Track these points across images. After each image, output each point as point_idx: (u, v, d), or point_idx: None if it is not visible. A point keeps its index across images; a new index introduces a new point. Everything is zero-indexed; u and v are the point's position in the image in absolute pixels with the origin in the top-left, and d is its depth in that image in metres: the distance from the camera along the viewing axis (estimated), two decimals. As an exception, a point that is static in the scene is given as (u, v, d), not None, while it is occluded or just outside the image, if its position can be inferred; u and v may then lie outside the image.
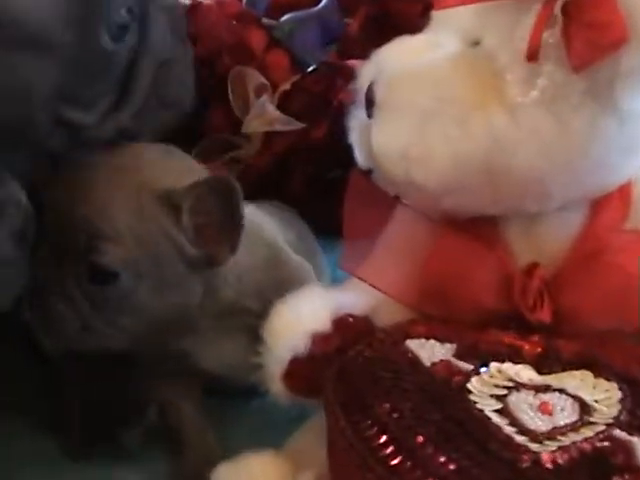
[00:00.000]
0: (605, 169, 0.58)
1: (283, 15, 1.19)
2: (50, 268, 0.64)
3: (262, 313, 0.63)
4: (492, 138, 0.56)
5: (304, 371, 0.58)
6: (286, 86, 1.01)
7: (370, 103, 0.60)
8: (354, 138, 0.63)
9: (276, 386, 0.60)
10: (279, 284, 0.68)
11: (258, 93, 0.99)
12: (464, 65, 0.58)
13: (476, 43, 0.59)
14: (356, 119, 0.62)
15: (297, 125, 0.94)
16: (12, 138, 0.60)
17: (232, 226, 0.64)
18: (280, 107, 0.98)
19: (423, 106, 0.58)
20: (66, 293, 0.64)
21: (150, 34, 0.65)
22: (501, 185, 0.57)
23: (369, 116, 0.60)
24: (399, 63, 0.60)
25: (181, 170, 0.67)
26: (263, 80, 0.99)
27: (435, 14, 0.64)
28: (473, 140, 0.56)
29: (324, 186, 0.94)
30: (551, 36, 0.54)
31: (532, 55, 0.54)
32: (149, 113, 0.67)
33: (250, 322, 0.66)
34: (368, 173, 0.63)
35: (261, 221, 0.75)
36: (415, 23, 0.98)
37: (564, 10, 0.54)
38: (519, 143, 0.56)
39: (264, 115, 0.97)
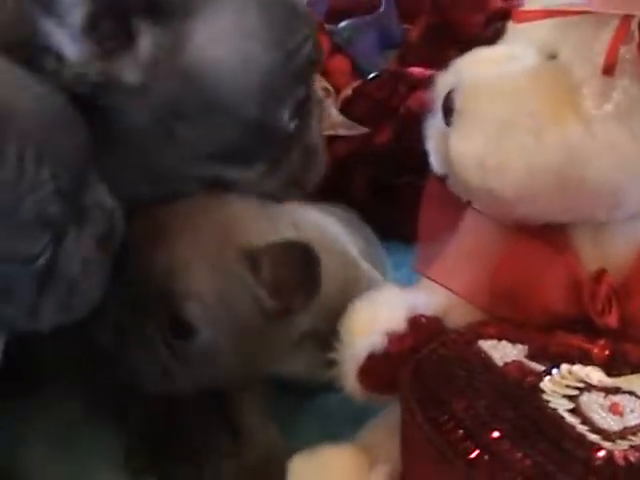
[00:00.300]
0: (677, 182, 0.60)
1: (342, 20, 1.22)
2: (130, 310, 0.66)
3: (329, 332, 0.66)
4: (567, 150, 0.58)
5: (380, 368, 0.61)
6: (347, 91, 1.03)
7: (448, 111, 0.62)
8: (431, 145, 0.65)
9: (351, 383, 0.62)
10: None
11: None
12: (541, 78, 0.60)
13: (553, 56, 0.61)
14: (433, 127, 0.65)
15: (360, 130, 0.97)
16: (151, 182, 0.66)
17: (309, 286, 0.66)
18: (342, 112, 1.01)
19: (501, 117, 0.60)
20: (146, 339, 0.66)
21: (309, 121, 0.71)
22: (574, 194, 0.59)
23: (447, 124, 0.62)
24: (478, 73, 0.62)
25: (266, 228, 0.69)
26: (327, 85, 1.02)
27: (511, 26, 0.65)
28: (548, 151, 0.58)
29: (385, 190, 0.97)
30: (628, 52, 0.56)
31: (609, 69, 0.56)
32: (285, 188, 0.72)
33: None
34: (443, 179, 0.65)
35: (337, 233, 0.77)
36: (475, 33, 1.01)
37: (640, 27, 0.56)
38: (593, 155, 0.58)
39: (327, 119, 1.00)
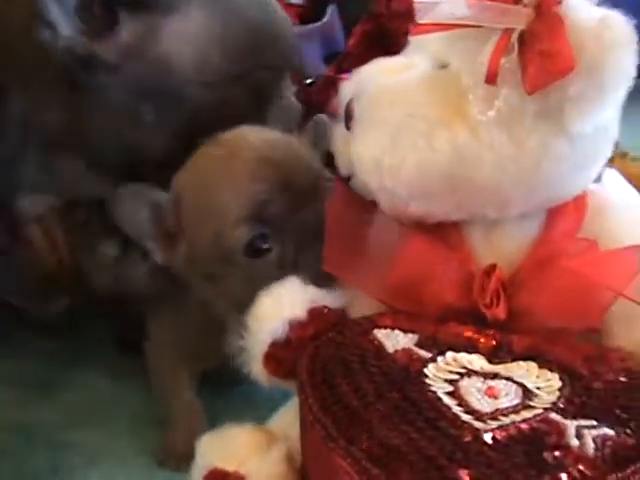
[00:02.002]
0: (558, 183, 0.65)
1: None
2: None
3: None
4: (455, 151, 0.62)
5: (282, 355, 0.64)
6: (286, 96, 1.07)
7: (349, 117, 0.67)
8: (336, 148, 0.70)
9: (257, 367, 0.66)
10: None
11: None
12: (433, 85, 0.65)
13: (444, 66, 0.66)
14: (338, 131, 0.69)
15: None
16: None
17: None
18: (280, 115, 1.05)
19: (395, 121, 0.64)
20: None
21: None
22: (462, 193, 0.64)
23: (348, 128, 0.67)
24: (376, 82, 0.66)
25: None
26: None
27: (412, 39, 0.70)
28: (438, 152, 0.63)
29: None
30: (508, 62, 0.61)
31: (490, 78, 0.61)
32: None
33: None
34: (348, 180, 0.69)
35: None
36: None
37: (520, 39, 0.60)
38: (478, 157, 0.62)
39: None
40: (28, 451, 0.80)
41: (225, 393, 0.86)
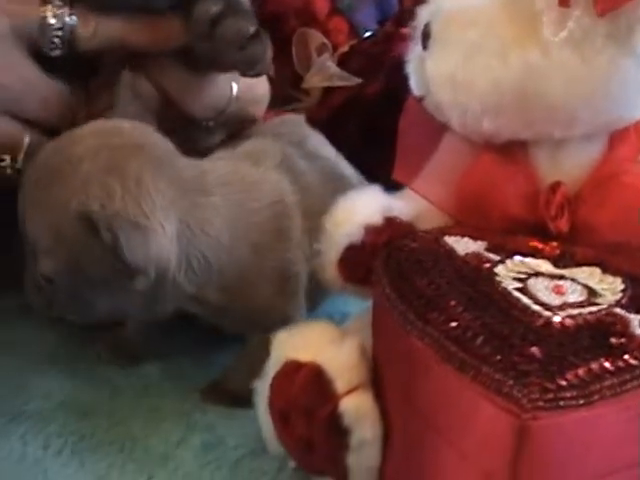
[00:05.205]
0: (623, 104, 0.68)
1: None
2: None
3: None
4: (527, 68, 0.66)
5: (357, 259, 0.68)
6: (345, 48, 1.12)
7: (426, 37, 0.70)
8: (411, 68, 0.73)
9: (331, 273, 0.70)
10: None
11: (319, 52, 1.10)
12: (508, 7, 0.68)
13: (519, -11, 0.69)
14: (413, 52, 0.73)
15: (354, 80, 1.05)
16: None
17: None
18: (339, 66, 1.09)
19: (470, 40, 0.68)
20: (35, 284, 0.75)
21: None
22: (532, 109, 0.67)
23: (424, 48, 0.71)
24: (452, 4, 0.70)
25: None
26: (324, 40, 1.10)
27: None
28: (510, 69, 0.66)
29: (376, 137, 1.04)
30: (581, -15, 0.64)
31: (563, 1, 0.64)
32: None
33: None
34: (421, 100, 0.73)
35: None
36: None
37: (593, -37, 0.64)
38: (549, 75, 0.66)
39: (324, 71, 1.08)
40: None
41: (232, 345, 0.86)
